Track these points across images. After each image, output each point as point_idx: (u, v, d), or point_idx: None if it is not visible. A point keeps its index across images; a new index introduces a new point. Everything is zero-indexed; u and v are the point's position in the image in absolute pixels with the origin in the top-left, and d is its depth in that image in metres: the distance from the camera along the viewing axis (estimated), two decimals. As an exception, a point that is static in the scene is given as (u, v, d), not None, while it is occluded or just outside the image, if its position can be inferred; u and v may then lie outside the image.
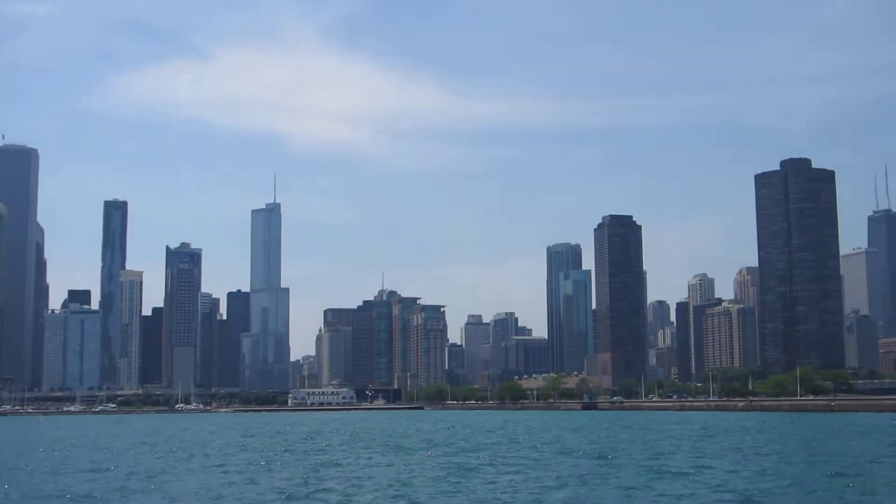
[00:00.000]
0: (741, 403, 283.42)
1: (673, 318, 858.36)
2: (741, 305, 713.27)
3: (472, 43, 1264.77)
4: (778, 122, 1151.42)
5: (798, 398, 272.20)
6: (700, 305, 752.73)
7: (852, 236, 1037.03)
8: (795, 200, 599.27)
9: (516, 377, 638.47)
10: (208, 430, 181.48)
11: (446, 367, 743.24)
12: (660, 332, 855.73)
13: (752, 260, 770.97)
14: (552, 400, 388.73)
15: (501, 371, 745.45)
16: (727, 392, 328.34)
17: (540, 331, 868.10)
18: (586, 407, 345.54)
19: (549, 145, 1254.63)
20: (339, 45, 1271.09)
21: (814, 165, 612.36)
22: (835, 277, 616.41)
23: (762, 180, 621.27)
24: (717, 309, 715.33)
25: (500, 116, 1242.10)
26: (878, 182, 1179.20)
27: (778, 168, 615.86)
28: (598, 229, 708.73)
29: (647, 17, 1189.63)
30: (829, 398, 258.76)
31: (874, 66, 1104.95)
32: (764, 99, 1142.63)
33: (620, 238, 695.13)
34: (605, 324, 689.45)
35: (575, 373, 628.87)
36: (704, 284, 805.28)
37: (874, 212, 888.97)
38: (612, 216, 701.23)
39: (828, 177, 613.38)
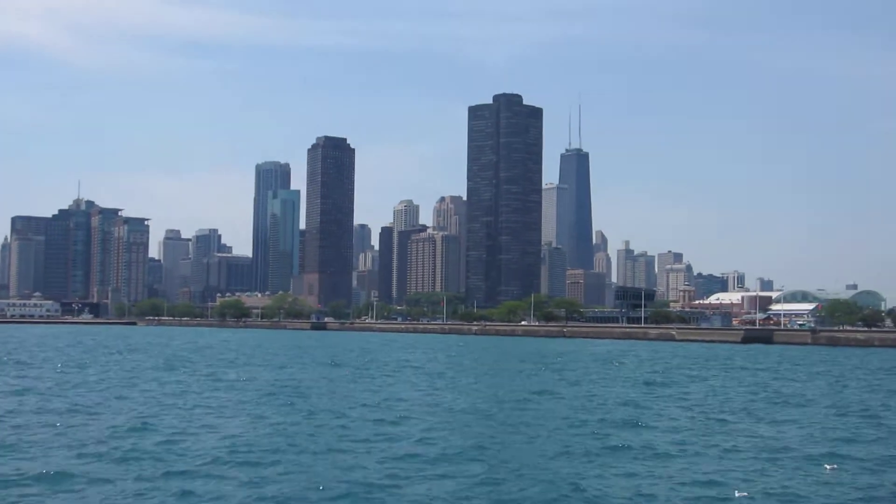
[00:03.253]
0: (475, 327, 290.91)
1: (373, 241, 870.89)
2: (445, 233, 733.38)
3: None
4: (483, 56, 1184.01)
5: (532, 324, 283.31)
6: (405, 231, 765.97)
7: (546, 172, 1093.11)
8: (506, 134, 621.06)
9: (218, 294, 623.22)
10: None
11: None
12: (361, 256, 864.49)
13: (456, 189, 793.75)
14: (278, 319, 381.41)
15: (203, 288, 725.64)
16: (460, 316, 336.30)
17: (243, 249, 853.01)
18: (315, 327, 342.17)
19: (266, 61, 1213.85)
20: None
21: (525, 102, 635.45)
22: (536, 211, 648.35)
23: (475, 112, 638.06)
24: (422, 235, 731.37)
25: (214, 27, 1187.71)
26: (571, 121, 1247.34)
27: (491, 102, 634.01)
28: (312, 150, 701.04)
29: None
30: (562, 325, 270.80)
31: (568, 8, 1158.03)
32: (469, 32, 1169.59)
33: (334, 160, 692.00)
34: (314, 245, 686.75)
35: (280, 292, 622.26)
36: (410, 210, 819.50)
37: (566, 150, 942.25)
38: (326, 137, 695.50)
39: (536, 113, 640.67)
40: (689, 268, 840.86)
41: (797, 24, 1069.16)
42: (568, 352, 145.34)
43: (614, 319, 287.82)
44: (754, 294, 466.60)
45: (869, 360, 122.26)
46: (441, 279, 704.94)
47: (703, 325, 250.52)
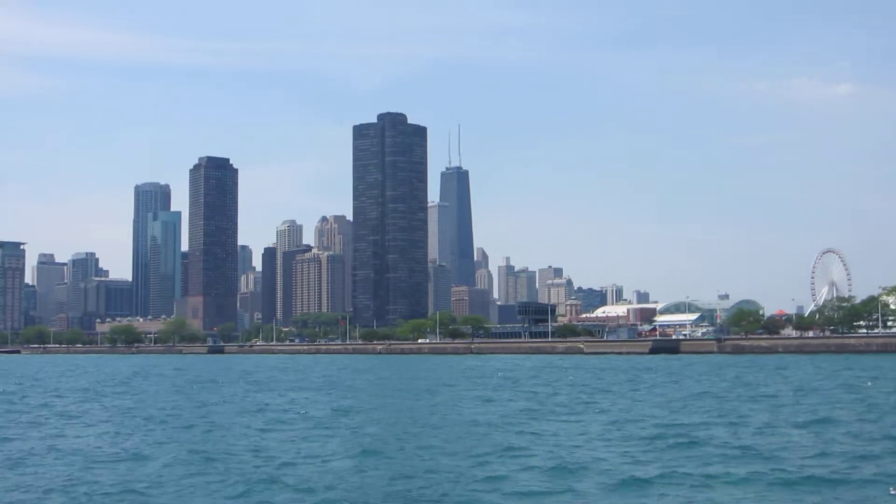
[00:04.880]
0: (380, 347, 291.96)
1: (255, 262, 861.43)
2: (330, 252, 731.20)
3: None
4: (365, 76, 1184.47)
5: (438, 342, 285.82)
6: (289, 251, 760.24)
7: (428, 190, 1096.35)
8: (391, 153, 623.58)
9: (98, 320, 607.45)
10: None
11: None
12: (243, 277, 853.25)
13: (339, 209, 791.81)
14: (172, 343, 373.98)
15: (81, 314, 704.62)
16: (363, 336, 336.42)
17: (123, 272, 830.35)
18: (212, 351, 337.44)
19: (143, 79, 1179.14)
20: None
21: (409, 121, 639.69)
22: (422, 229, 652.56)
23: (360, 132, 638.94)
24: (307, 255, 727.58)
25: (86, 44, 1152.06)
26: (451, 139, 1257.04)
27: (376, 121, 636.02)
28: (194, 170, 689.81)
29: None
30: (468, 341, 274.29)
31: (449, 27, 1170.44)
32: (351, 51, 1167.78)
33: (216, 180, 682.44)
34: (198, 267, 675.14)
35: (163, 316, 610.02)
36: (293, 231, 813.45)
37: (447, 168, 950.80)
38: (209, 157, 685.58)
39: (421, 132, 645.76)
40: (569, 282, 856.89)
41: (666, 43, 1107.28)
42: (497, 368, 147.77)
43: (517, 335, 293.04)
44: (638, 306, 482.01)
45: (803, 366, 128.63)
46: (327, 299, 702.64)
47: (611, 338, 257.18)
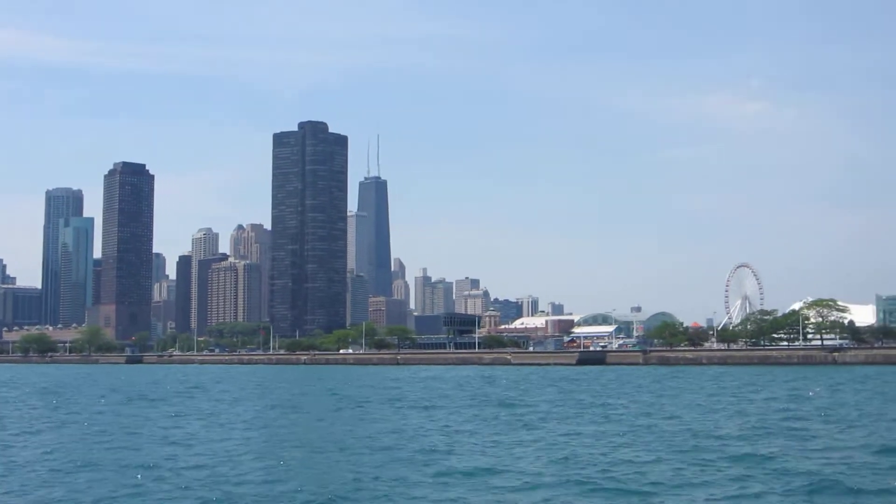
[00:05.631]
0: (304, 357, 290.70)
1: (168, 270, 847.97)
2: (247, 261, 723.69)
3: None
4: (277, 85, 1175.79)
5: (363, 352, 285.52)
6: (205, 260, 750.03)
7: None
8: (311, 162, 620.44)
9: (5, 329, 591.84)
10: None
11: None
12: (156, 286, 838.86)
13: (257, 217, 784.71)
14: (88, 353, 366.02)
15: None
16: (285, 346, 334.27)
17: (32, 280, 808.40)
18: (131, 361, 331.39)
19: (54, 82, 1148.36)
20: None
21: (330, 130, 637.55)
22: (341, 239, 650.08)
23: (280, 140, 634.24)
24: (224, 264, 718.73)
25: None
26: (370, 149, 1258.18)
27: (296, 129, 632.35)
28: (109, 176, 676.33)
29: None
30: (395, 352, 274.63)
31: (369, 36, 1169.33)
32: (271, 58, 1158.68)
33: (132, 186, 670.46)
34: (111, 275, 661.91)
35: (74, 325, 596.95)
36: (209, 239, 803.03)
37: (365, 178, 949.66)
38: (124, 163, 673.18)
39: (342, 141, 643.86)
40: (486, 293, 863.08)
41: (585, 56, 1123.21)
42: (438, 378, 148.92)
43: (442, 345, 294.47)
44: (556, 318, 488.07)
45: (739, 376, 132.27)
46: (243, 308, 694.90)
47: (538, 349, 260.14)
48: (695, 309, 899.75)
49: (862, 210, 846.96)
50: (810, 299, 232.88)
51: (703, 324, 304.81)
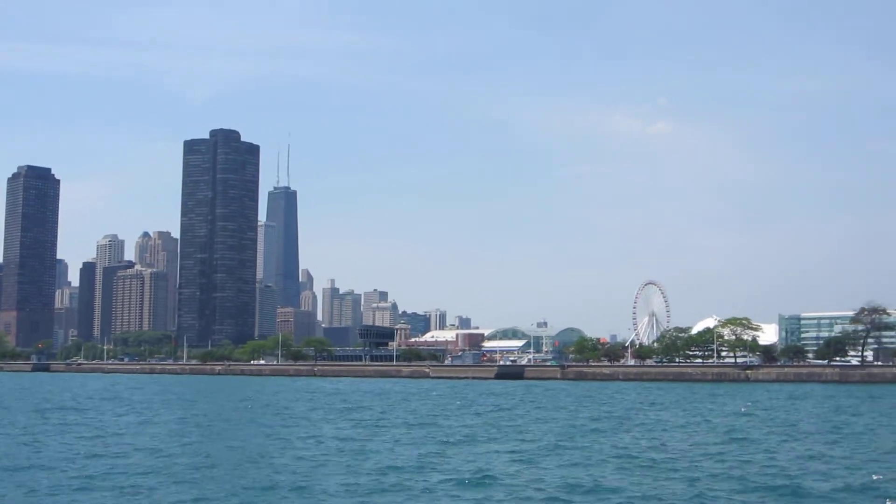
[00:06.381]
0: (219, 367, 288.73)
1: (71, 277, 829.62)
2: (154, 269, 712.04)
3: None
4: (196, 91, 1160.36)
5: (279, 363, 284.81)
6: (110, 267, 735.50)
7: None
8: (223, 171, 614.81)
9: None
10: None
11: None
12: (58, 293, 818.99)
13: (165, 225, 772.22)
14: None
15: None
16: (198, 356, 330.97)
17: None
18: (37, 369, 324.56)
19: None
20: None
21: (243, 139, 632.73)
22: (251, 248, 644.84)
23: (192, 147, 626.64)
24: (130, 271, 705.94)
25: None
26: (280, 159, 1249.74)
27: (208, 137, 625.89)
28: (13, 179, 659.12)
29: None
30: (312, 364, 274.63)
31: (279, 46, 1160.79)
32: (181, 65, 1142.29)
33: (36, 191, 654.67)
34: (12, 280, 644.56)
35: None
36: (115, 246, 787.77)
37: (275, 188, 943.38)
38: (28, 167, 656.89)
39: (254, 150, 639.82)
40: (394, 306, 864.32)
41: (494, 71, 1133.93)
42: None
43: (358, 357, 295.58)
44: (467, 332, 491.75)
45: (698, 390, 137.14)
46: (149, 317, 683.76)
47: (456, 363, 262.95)
48: (600, 324, 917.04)
49: (759, 232, 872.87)
50: (716, 317, 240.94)
51: (609, 339, 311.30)
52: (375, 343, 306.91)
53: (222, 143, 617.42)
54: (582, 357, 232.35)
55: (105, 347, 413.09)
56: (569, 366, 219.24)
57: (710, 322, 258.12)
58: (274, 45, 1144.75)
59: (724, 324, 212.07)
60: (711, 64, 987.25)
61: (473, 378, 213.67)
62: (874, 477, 42.96)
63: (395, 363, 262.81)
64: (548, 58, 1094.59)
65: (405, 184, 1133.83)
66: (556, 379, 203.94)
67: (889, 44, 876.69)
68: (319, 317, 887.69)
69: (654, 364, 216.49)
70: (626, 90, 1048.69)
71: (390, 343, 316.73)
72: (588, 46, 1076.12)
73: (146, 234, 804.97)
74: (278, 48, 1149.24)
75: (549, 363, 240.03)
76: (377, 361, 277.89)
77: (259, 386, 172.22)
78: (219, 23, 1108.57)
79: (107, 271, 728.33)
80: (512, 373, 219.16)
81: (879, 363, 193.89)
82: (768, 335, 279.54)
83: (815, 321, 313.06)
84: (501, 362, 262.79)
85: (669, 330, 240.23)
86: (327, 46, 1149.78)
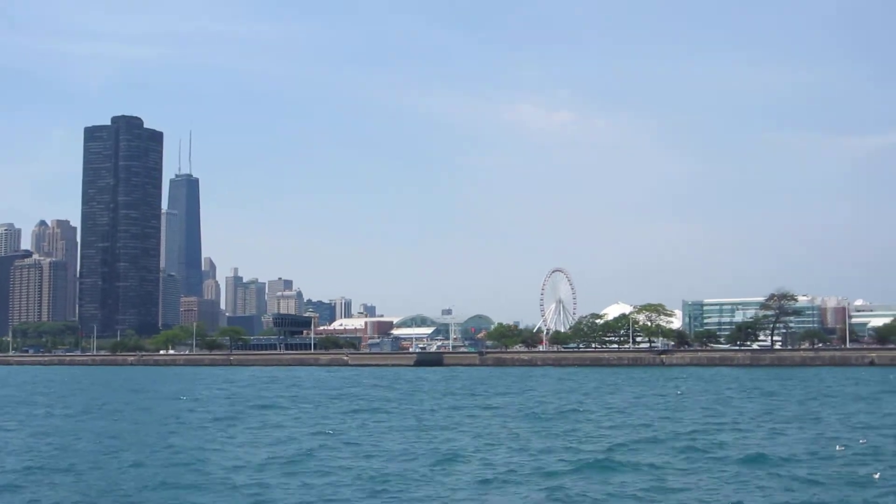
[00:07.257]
0: (132, 358, 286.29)
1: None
2: (53, 259, 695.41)
3: None
4: (95, 77, 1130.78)
5: (193, 353, 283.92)
6: (7, 257, 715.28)
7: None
8: (125, 158, 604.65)
9: None
10: None
11: None
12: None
13: (65, 213, 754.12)
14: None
15: None
16: (108, 347, 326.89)
17: None
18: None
19: None
20: None
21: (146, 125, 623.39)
22: (155, 237, 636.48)
23: (93, 134, 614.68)
24: (28, 261, 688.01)
25: None
26: (182, 146, 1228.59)
27: (109, 123, 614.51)
28: None
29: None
30: (227, 353, 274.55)
31: (183, 31, 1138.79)
32: (78, 50, 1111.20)
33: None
34: None
35: None
36: (11, 235, 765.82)
37: (177, 175, 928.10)
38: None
39: (157, 137, 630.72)
40: (299, 294, 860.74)
41: (398, 61, 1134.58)
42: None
43: (273, 346, 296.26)
44: (375, 319, 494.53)
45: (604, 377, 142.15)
46: (48, 308, 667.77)
47: (375, 350, 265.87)
48: (504, 312, 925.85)
49: (663, 221, 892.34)
50: (622, 303, 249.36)
51: (515, 326, 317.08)
52: (290, 332, 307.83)
53: (124, 130, 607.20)
54: (500, 343, 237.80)
55: (8, 339, 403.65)
56: (488, 352, 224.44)
57: (618, 308, 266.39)
58: (182, 32, 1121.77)
59: (640, 310, 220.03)
60: (617, 55, 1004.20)
61: (393, 365, 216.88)
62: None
63: (312, 351, 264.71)
64: (454, 46, 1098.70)
65: (308, 173, 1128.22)
66: (475, 365, 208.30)
67: (758, 35, 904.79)
68: (223, 306, 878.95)
69: (572, 349, 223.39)
70: (530, 79, 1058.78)
71: (305, 331, 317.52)
72: (490, 33, 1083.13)
73: (43, 223, 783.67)
74: (187, 35, 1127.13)
75: (465, 350, 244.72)
76: (293, 350, 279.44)
77: (189, 377, 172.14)
78: (122, 7, 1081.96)
79: (3, 261, 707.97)
80: (431, 360, 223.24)
81: (789, 347, 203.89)
82: (674, 321, 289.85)
83: (718, 307, 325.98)
84: (411, 350, 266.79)
85: (586, 316, 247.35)
86: (238, 35, 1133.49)
